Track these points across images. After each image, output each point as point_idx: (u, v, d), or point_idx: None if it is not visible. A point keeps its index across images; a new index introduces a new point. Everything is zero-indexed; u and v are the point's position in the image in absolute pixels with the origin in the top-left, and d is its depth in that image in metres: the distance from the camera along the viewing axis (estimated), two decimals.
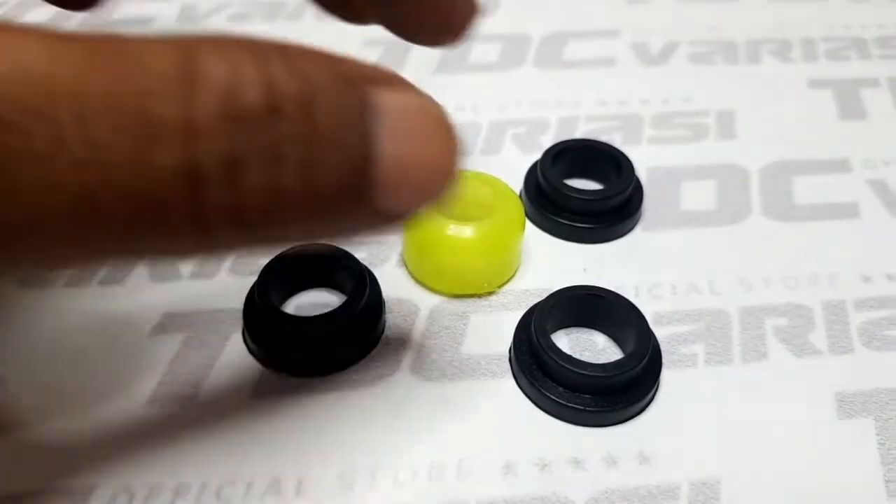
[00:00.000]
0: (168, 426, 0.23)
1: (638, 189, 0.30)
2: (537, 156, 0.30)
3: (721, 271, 0.28)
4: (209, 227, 0.15)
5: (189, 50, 0.15)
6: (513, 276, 0.27)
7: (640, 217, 0.29)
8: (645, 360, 0.23)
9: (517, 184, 0.30)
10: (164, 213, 0.15)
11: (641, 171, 0.31)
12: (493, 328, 0.26)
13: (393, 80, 0.17)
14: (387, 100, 0.17)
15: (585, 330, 0.26)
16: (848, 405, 0.24)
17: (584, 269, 0.27)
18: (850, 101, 0.36)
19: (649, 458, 0.22)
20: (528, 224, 0.29)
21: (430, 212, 0.22)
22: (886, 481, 0.22)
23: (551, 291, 0.25)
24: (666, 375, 0.24)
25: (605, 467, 0.22)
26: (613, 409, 0.23)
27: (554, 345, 0.23)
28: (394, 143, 0.17)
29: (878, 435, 0.23)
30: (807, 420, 0.24)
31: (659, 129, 0.34)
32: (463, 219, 0.26)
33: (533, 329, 0.24)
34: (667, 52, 0.38)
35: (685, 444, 0.23)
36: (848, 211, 0.30)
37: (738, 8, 0.41)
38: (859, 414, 0.24)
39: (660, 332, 0.25)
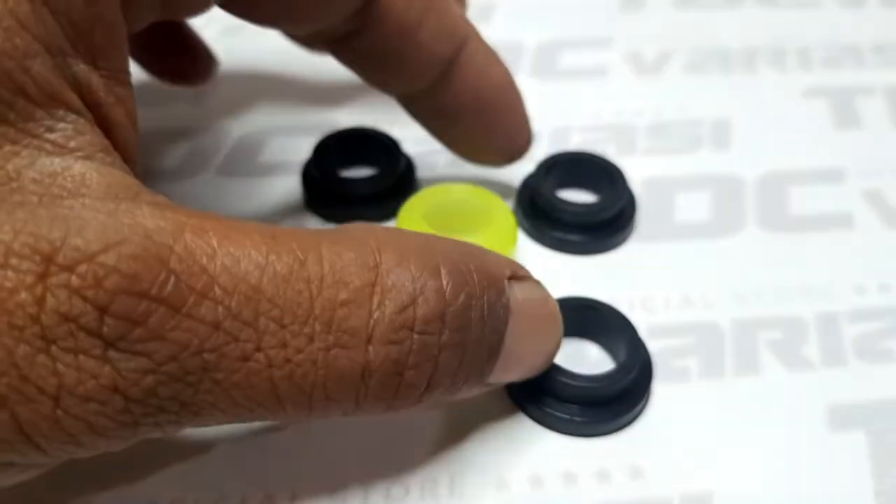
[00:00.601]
0: (161, 441, 0.23)
1: (631, 201, 0.30)
2: (530, 167, 0.30)
3: (714, 283, 0.28)
4: (359, 411, 0.18)
5: (376, 260, 0.18)
6: None
7: (633, 229, 0.29)
8: (635, 372, 0.23)
9: (510, 195, 0.30)
10: (327, 402, 0.17)
11: (635, 183, 0.31)
12: None
13: (518, 272, 0.21)
14: (516, 296, 0.20)
15: (578, 341, 0.26)
16: (840, 418, 0.24)
17: (577, 282, 0.27)
18: (845, 110, 0.36)
19: (641, 472, 0.22)
20: (522, 235, 0.29)
21: (421, 225, 0.24)
22: (877, 493, 0.22)
23: None
24: (658, 388, 0.24)
25: (598, 481, 0.22)
26: (604, 419, 0.23)
27: None
28: (515, 338, 0.20)
29: (869, 448, 0.23)
30: (799, 433, 0.24)
31: (653, 140, 0.34)
32: (454, 232, 0.26)
33: None
34: (661, 62, 0.38)
35: (677, 458, 0.23)
36: (842, 221, 0.30)
37: (733, 16, 0.41)
38: (851, 427, 0.24)
39: (653, 344, 0.25)
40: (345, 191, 0.29)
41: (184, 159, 0.32)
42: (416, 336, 0.18)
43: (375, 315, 0.17)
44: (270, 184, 0.31)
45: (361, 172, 0.30)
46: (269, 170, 0.32)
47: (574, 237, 0.28)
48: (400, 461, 0.23)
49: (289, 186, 0.31)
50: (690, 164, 0.33)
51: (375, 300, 0.17)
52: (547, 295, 0.22)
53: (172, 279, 0.15)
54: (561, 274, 0.28)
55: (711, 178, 0.32)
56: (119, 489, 0.22)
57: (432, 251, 0.19)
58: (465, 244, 0.20)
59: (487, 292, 0.19)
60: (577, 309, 0.25)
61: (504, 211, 0.27)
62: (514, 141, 0.28)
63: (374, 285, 0.17)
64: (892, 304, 0.27)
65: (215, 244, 0.16)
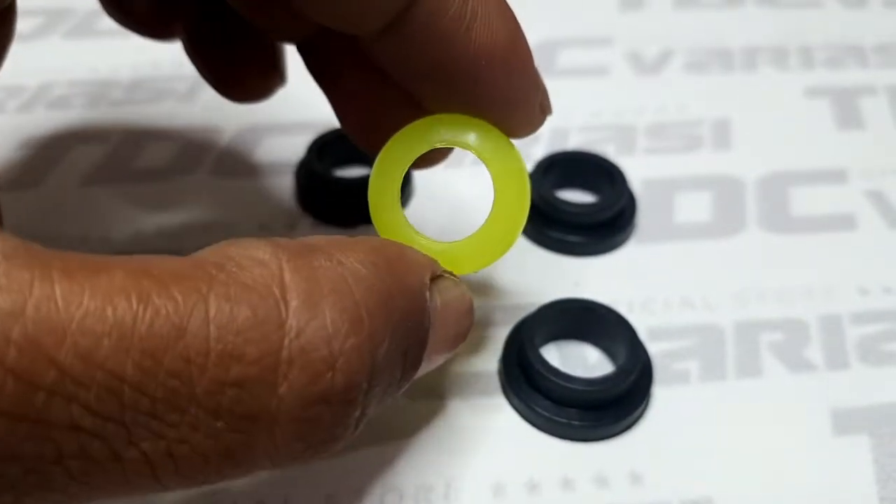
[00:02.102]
0: None
1: (631, 201, 0.29)
2: (529, 167, 0.29)
3: (715, 285, 0.27)
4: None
5: (282, 317, 0.14)
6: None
7: (633, 230, 0.29)
8: (634, 375, 0.23)
9: None
10: (226, 479, 0.15)
11: (635, 183, 0.30)
12: (482, 345, 0.25)
13: (437, 271, 0.19)
14: (436, 304, 0.18)
15: (578, 344, 0.25)
16: (843, 421, 0.24)
17: (576, 283, 0.27)
18: (847, 111, 0.35)
19: (640, 477, 0.22)
20: (520, 237, 0.28)
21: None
22: (881, 499, 0.22)
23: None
24: (659, 391, 0.24)
25: (596, 487, 0.22)
26: (602, 423, 0.23)
27: (542, 357, 0.23)
28: (432, 343, 0.18)
29: (873, 452, 0.23)
30: (801, 437, 0.23)
31: (653, 140, 0.33)
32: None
33: (521, 341, 0.24)
34: (661, 61, 0.38)
35: (677, 462, 0.22)
36: (845, 223, 0.30)
37: (735, 15, 0.41)
38: (855, 430, 0.23)
39: (653, 347, 0.25)
40: (339, 190, 0.29)
41: (175, 159, 0.31)
42: (335, 408, 0.15)
43: (282, 391, 0.14)
44: (263, 184, 0.31)
45: (355, 172, 0.30)
46: (263, 169, 0.31)
47: (573, 238, 0.28)
48: (394, 467, 0.22)
49: (282, 186, 0.30)
50: (691, 165, 0.32)
51: (281, 373, 0.14)
52: (464, 290, 0.20)
53: (10, 382, 0.12)
54: (560, 275, 0.28)
55: (712, 179, 0.32)
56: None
57: (349, 287, 0.15)
58: (381, 247, 0.17)
59: (411, 318, 0.17)
60: (575, 311, 0.25)
61: (514, 162, 0.21)
62: (515, 119, 0.21)
63: (279, 352, 0.14)
64: (895, 305, 0.27)
65: (65, 317, 0.13)
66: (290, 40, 0.24)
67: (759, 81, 0.37)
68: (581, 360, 0.25)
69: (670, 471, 0.22)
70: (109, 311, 0.13)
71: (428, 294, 0.18)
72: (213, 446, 0.14)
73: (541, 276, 0.28)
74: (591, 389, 0.22)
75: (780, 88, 0.36)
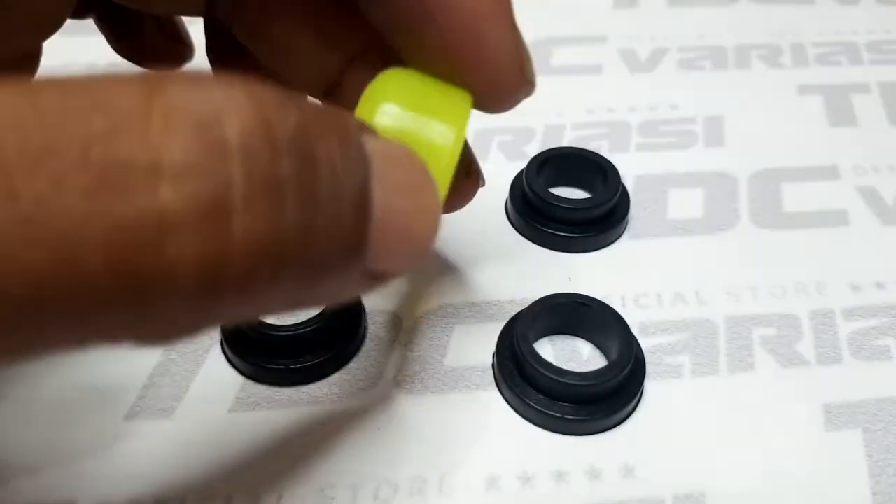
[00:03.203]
0: (147, 440, 0.22)
1: (624, 197, 0.29)
2: (523, 164, 0.30)
3: (708, 280, 0.27)
4: (171, 306, 0.12)
5: (153, 82, 0.12)
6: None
7: (626, 225, 0.29)
8: (626, 370, 0.23)
9: (503, 192, 0.30)
10: (115, 291, 0.12)
11: (628, 179, 0.31)
12: (477, 339, 0.25)
13: (365, 128, 0.15)
14: (371, 144, 0.15)
15: (571, 339, 0.26)
16: (836, 416, 0.24)
17: (570, 279, 0.27)
18: (840, 107, 0.35)
19: (633, 471, 0.22)
20: (514, 233, 0.29)
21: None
22: (874, 494, 0.22)
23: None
24: (651, 386, 0.24)
25: (589, 480, 0.22)
26: (595, 417, 0.23)
27: (535, 352, 0.23)
28: (386, 190, 0.14)
29: (866, 447, 0.23)
30: (794, 432, 0.23)
31: (646, 137, 0.33)
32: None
33: (515, 336, 0.24)
34: (655, 59, 0.38)
35: (670, 456, 0.23)
36: (837, 218, 0.30)
37: (728, 13, 0.41)
38: (847, 425, 0.23)
39: (646, 342, 0.25)
40: None
41: None
42: (235, 158, 0.12)
43: (156, 139, 0.12)
44: None
45: None
46: None
47: (567, 234, 0.28)
48: (388, 460, 0.22)
49: None
50: (684, 161, 0.32)
51: (155, 121, 0.12)
52: (409, 149, 0.16)
53: None
54: (553, 271, 0.28)
55: (705, 175, 0.32)
56: (101, 489, 0.21)
57: (232, 78, 0.13)
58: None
59: (331, 129, 0.14)
60: (569, 306, 0.25)
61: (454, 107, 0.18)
62: (486, 80, 0.19)
63: (150, 100, 0.12)
64: (887, 301, 0.27)
65: None
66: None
67: (752, 78, 0.37)
68: (574, 355, 0.25)
69: (662, 464, 0.22)
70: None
71: (356, 129, 0.15)
72: (86, 208, 0.11)
73: (534, 272, 0.28)
74: (584, 384, 0.23)
75: (774, 85, 0.37)
